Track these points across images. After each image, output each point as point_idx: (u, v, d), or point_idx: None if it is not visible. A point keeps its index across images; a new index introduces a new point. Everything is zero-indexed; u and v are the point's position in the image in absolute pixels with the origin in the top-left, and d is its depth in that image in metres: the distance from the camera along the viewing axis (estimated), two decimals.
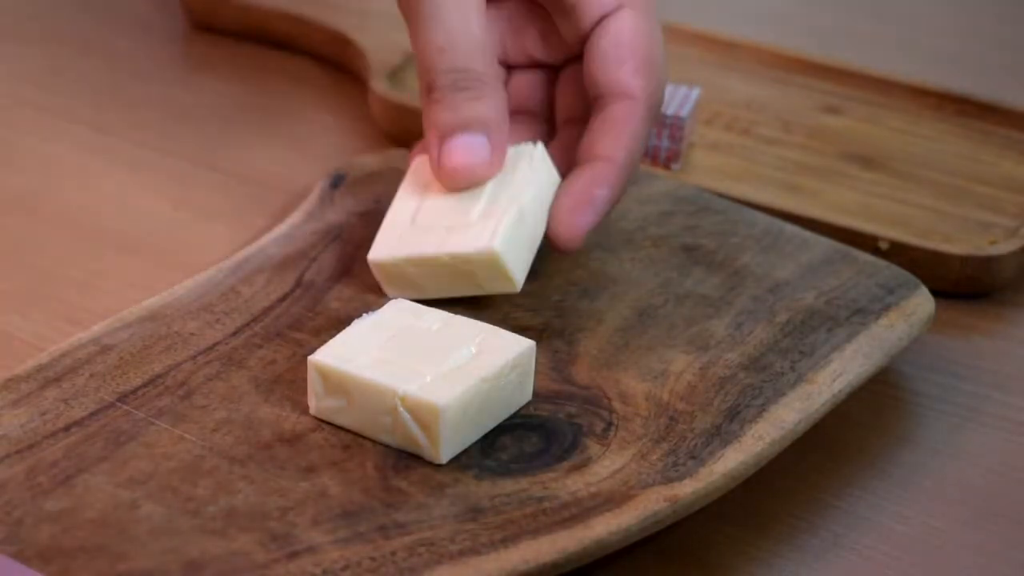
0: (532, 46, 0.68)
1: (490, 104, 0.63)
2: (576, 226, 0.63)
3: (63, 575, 0.50)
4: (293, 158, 0.80)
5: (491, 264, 0.61)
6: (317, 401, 0.57)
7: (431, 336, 0.58)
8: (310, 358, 0.57)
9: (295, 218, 0.69)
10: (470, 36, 0.63)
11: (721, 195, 0.70)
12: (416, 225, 0.63)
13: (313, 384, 0.57)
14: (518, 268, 0.62)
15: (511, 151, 0.65)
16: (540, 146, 0.65)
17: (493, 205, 0.63)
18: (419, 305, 0.60)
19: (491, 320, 0.61)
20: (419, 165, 0.66)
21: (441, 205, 0.64)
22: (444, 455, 0.55)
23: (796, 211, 0.74)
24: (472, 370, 0.56)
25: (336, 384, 0.56)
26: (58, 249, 0.72)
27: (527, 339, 0.58)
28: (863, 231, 0.73)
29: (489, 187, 0.64)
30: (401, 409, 0.55)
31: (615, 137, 0.64)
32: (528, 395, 0.59)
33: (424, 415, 0.55)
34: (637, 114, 0.64)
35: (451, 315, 0.60)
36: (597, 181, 0.63)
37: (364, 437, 0.56)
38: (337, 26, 0.89)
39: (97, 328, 0.61)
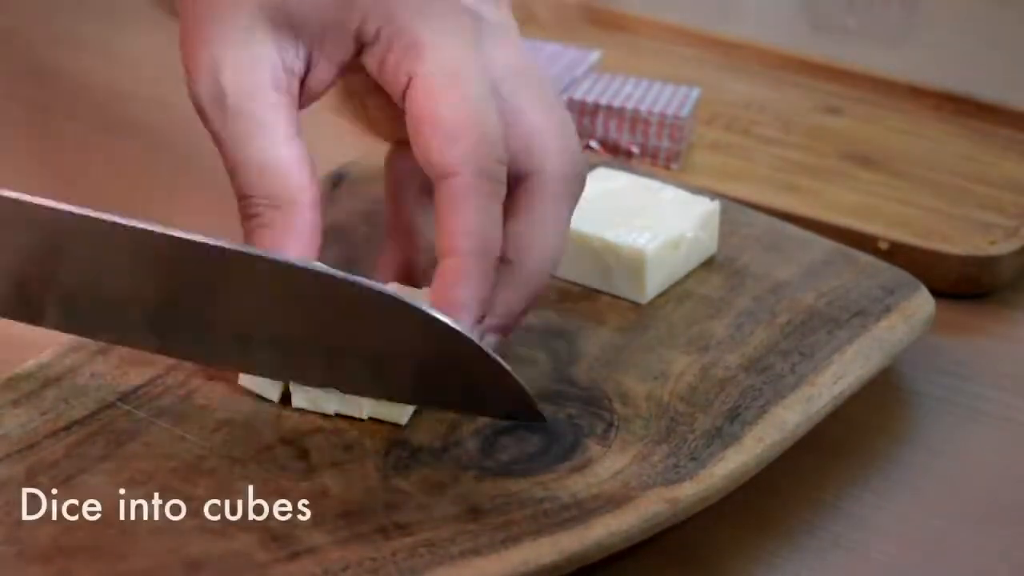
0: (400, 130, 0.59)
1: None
2: None
3: (63, 575, 0.50)
4: None
5: (634, 265, 0.64)
6: (303, 392, 0.57)
7: None
8: None
9: None
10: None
11: (721, 195, 0.70)
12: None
13: None
14: (653, 284, 0.65)
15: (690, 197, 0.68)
16: (716, 205, 0.68)
17: (659, 222, 0.66)
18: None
19: None
20: None
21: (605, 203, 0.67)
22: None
23: (796, 211, 0.74)
24: None
25: None
26: None
27: None
28: (863, 231, 0.73)
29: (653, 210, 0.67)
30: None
31: (452, 225, 0.55)
32: None
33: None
34: (467, 191, 0.55)
35: None
36: (448, 283, 0.55)
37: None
38: None
39: None
